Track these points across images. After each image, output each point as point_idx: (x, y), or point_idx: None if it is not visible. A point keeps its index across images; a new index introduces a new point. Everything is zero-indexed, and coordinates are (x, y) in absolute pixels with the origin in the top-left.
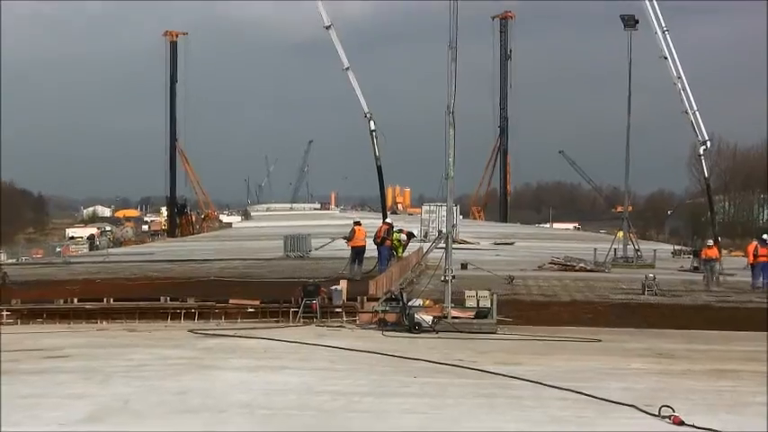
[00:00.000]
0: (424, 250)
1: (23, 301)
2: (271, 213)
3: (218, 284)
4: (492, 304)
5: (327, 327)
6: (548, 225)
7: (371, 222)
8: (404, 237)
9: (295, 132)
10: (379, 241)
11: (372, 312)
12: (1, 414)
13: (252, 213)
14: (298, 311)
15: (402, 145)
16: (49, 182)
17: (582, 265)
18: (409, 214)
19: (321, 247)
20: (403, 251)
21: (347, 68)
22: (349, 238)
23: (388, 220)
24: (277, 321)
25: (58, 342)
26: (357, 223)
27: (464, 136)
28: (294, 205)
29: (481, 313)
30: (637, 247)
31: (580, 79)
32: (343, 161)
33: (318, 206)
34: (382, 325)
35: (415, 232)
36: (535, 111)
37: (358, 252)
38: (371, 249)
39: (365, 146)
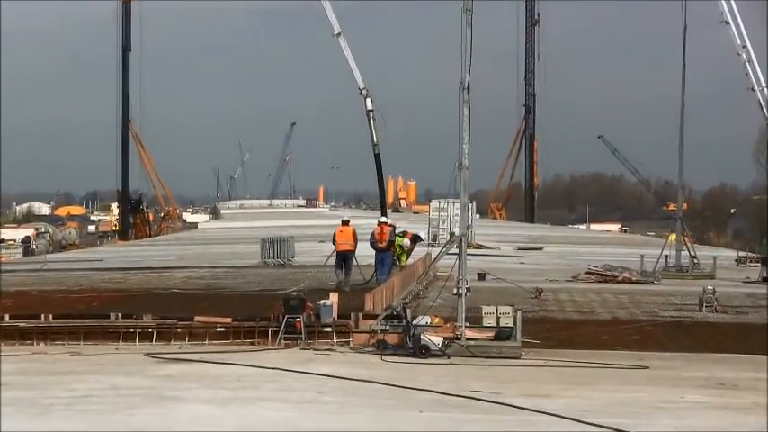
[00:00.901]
0: (433, 257)
1: None
2: (245, 211)
3: (181, 298)
4: (515, 323)
5: (314, 350)
6: (583, 226)
7: (368, 223)
8: (407, 242)
9: (275, 114)
10: (384, 245)
11: (369, 332)
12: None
13: (222, 211)
14: (278, 331)
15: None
16: None
17: (625, 275)
18: (414, 213)
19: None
20: (407, 258)
21: (338, 34)
22: (333, 240)
23: (384, 220)
24: (253, 343)
25: None
26: (344, 222)
27: (482, 118)
28: (274, 201)
29: (502, 334)
30: (693, 253)
31: (622, 50)
32: (334, 148)
33: (303, 203)
34: (381, 348)
35: (422, 235)
36: (568, 87)
37: (342, 257)
38: (367, 255)
39: (360, 130)
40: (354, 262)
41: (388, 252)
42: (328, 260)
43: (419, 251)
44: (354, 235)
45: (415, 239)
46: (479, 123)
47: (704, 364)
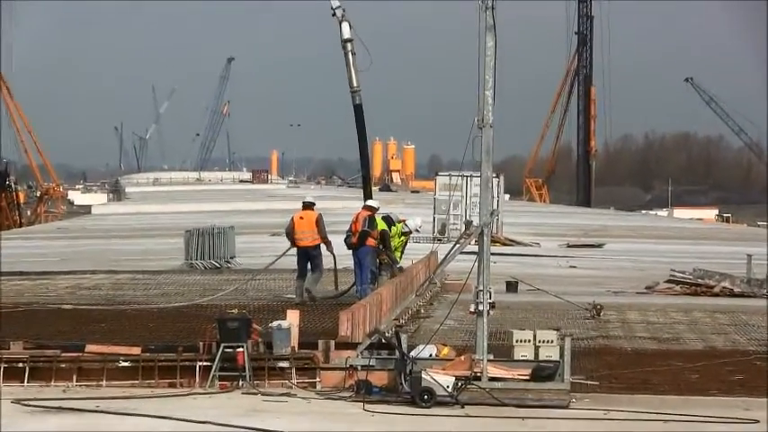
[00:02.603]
0: (440, 257)
1: None
2: (161, 189)
3: (67, 317)
4: (563, 356)
5: (264, 395)
6: (664, 212)
7: (346, 208)
8: (409, 226)
9: (205, 47)
10: (356, 241)
11: (346, 369)
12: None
13: (127, 189)
14: (210, 367)
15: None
16: None
17: (725, 284)
18: (413, 191)
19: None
20: (401, 256)
21: None
22: (287, 232)
23: (371, 203)
24: (173, 385)
25: None
26: (306, 205)
27: (514, 54)
28: (204, 175)
29: (543, 372)
30: None
31: None
32: (293, 97)
33: (249, 176)
34: (363, 392)
35: (413, 224)
36: (641, 6)
37: (304, 257)
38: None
39: (335, 70)
40: (326, 263)
41: (365, 249)
42: (276, 261)
43: (415, 248)
44: (319, 223)
45: (370, 224)
46: (511, 61)
47: None
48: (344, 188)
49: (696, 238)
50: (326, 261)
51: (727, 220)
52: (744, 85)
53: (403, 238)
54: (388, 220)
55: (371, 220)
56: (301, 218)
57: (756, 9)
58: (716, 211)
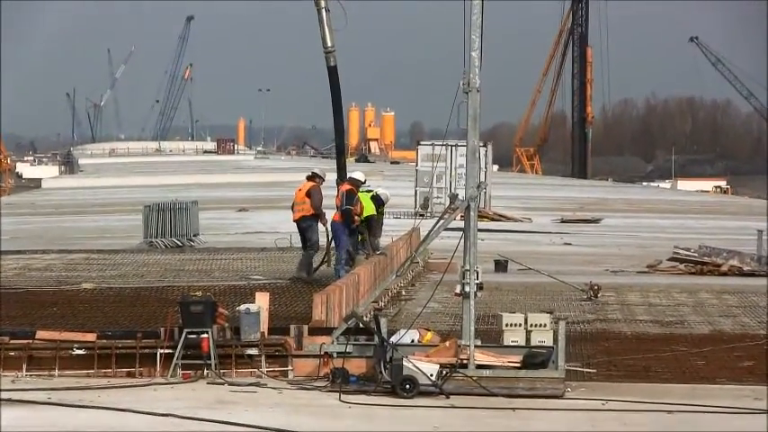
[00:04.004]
0: (423, 234)
1: None
2: (118, 160)
3: (15, 301)
4: (556, 341)
5: (232, 385)
6: (667, 183)
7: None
8: (381, 197)
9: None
10: (341, 219)
11: (320, 356)
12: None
13: (81, 161)
14: (172, 355)
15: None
16: None
17: (733, 262)
18: (393, 162)
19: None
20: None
21: None
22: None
23: (356, 175)
24: (131, 374)
25: None
26: (309, 177)
27: (503, 11)
28: (165, 145)
29: (535, 358)
30: None
31: None
32: (261, 59)
33: (213, 146)
34: (340, 381)
35: (384, 193)
36: None
37: (300, 230)
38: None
39: (306, 27)
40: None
41: (339, 225)
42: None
43: (396, 224)
44: (313, 194)
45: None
46: (501, 21)
47: None
48: (318, 159)
49: (702, 212)
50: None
51: (726, 192)
52: (753, 46)
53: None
54: (378, 200)
55: (350, 196)
56: (300, 189)
57: None
58: (723, 183)
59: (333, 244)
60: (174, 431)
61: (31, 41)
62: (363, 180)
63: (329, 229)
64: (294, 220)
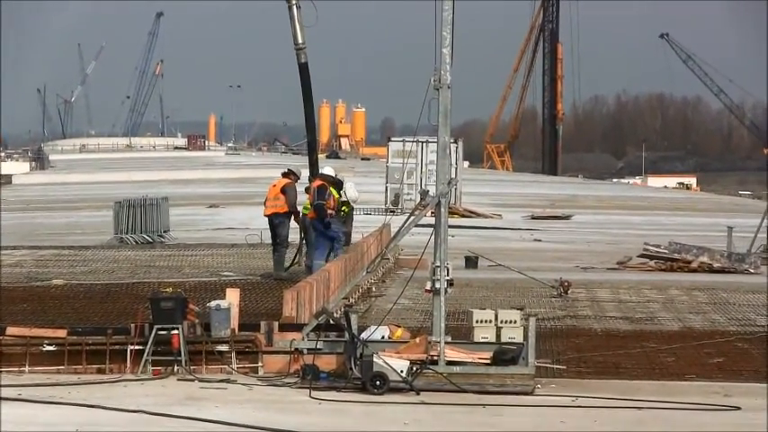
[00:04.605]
0: (393, 230)
1: None
2: (89, 157)
3: None
4: (527, 338)
5: (202, 381)
6: (637, 180)
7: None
8: (348, 195)
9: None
10: (311, 212)
11: (291, 353)
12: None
13: (51, 157)
14: (143, 351)
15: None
16: None
17: (704, 259)
18: (363, 159)
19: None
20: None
21: None
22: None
23: (327, 171)
24: (102, 371)
25: None
26: (284, 174)
27: (475, 7)
28: (135, 141)
29: (505, 355)
30: None
31: None
32: (232, 55)
33: (184, 143)
34: (310, 378)
35: (353, 194)
36: None
37: (269, 224)
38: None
39: (277, 24)
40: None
41: (317, 222)
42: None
43: (367, 221)
44: (288, 191)
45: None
46: (472, 17)
47: None
48: (289, 155)
49: (672, 208)
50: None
51: (689, 188)
52: (724, 42)
53: (345, 209)
54: (338, 184)
55: (321, 191)
56: (274, 185)
57: None
58: (693, 180)
59: (304, 241)
60: (144, 428)
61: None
62: (334, 175)
63: (309, 225)
64: (265, 215)
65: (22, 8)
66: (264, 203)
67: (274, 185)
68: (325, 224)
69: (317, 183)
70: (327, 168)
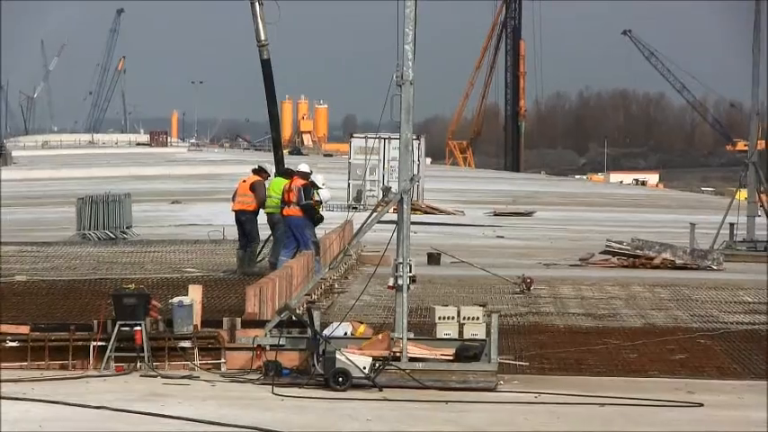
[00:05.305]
0: (356, 226)
1: None
2: (51, 153)
3: None
4: (489, 334)
5: (165, 378)
6: (600, 176)
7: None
8: (325, 195)
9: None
10: (293, 209)
11: (253, 349)
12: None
13: (13, 153)
14: (105, 347)
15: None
16: None
17: (666, 255)
18: (326, 155)
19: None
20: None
21: None
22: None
23: (304, 168)
24: (65, 367)
25: None
26: (254, 170)
27: (437, 4)
28: (97, 137)
29: (468, 351)
30: None
31: None
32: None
33: (147, 139)
34: (273, 374)
35: (325, 196)
36: None
37: (236, 221)
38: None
39: (239, 21)
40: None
41: (299, 221)
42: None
43: (328, 217)
44: (257, 188)
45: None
46: (435, 13)
47: None
48: (251, 151)
49: (634, 205)
50: None
51: (644, 184)
52: (687, 39)
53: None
54: (291, 175)
55: (307, 190)
56: (244, 181)
57: None
58: (656, 177)
59: (270, 237)
60: (106, 424)
61: None
62: (310, 172)
63: (276, 222)
64: (233, 210)
65: None
66: (233, 198)
67: (244, 181)
68: (315, 221)
69: (302, 182)
70: (304, 165)
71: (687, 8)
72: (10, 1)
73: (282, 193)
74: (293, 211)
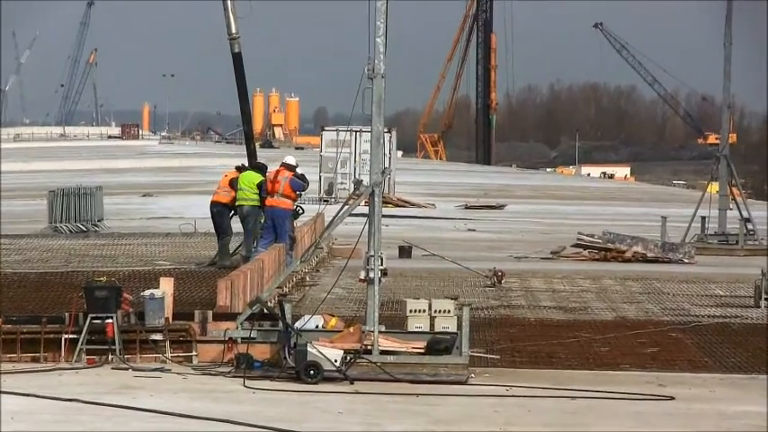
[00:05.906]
0: (327, 219)
1: None
2: (22, 146)
3: None
4: (461, 327)
5: (136, 370)
6: (571, 170)
7: (225, 165)
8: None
9: None
10: (276, 201)
11: (225, 342)
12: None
13: None
14: (77, 340)
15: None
16: None
17: (637, 249)
18: (297, 148)
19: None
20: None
21: None
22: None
23: (289, 160)
24: (36, 359)
25: None
26: (239, 167)
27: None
28: (69, 130)
29: (439, 344)
30: (746, 214)
31: None
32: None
33: (118, 132)
34: (244, 367)
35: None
36: None
37: (212, 214)
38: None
39: (211, 14)
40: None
41: (283, 212)
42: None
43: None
44: (236, 184)
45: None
46: (406, 6)
47: (761, 393)
48: (222, 144)
49: (606, 198)
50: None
51: (611, 178)
52: (658, 32)
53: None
54: (262, 168)
55: (302, 178)
56: (226, 175)
57: None
58: (627, 171)
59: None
60: (78, 417)
61: None
62: (296, 164)
63: (247, 214)
64: (211, 201)
65: None
66: (216, 191)
67: (226, 175)
68: (295, 215)
69: (289, 174)
70: (290, 158)
71: (660, 2)
72: None
73: (265, 183)
74: (278, 201)
